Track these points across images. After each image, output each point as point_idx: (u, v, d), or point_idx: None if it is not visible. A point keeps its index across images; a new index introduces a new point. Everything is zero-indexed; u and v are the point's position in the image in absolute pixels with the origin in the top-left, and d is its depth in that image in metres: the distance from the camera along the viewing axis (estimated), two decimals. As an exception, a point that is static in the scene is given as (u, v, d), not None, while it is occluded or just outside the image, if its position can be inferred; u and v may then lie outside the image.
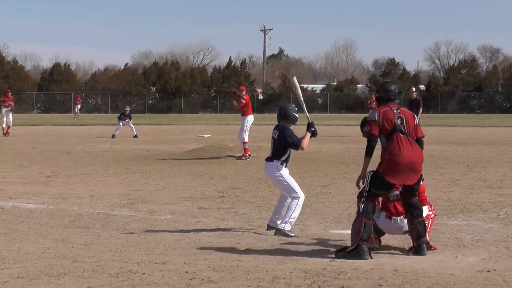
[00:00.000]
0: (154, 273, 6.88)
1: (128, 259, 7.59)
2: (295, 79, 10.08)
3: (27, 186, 14.51)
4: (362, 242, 7.77)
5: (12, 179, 15.72)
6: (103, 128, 41.90)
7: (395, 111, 8.12)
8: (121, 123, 33.47)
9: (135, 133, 32.84)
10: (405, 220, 8.21)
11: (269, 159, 9.50)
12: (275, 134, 9.45)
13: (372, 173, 8.04)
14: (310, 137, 9.38)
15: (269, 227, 9.48)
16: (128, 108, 35.38)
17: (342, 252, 7.83)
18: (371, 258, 7.72)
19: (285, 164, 9.39)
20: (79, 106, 65.23)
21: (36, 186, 14.55)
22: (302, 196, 9.39)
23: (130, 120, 33.71)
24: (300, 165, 18.59)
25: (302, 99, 9.70)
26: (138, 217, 10.81)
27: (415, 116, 8.30)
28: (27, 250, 8.12)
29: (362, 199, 7.99)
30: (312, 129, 9.36)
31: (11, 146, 26.47)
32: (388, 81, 8.74)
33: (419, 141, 8.15)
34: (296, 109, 9.57)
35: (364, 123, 8.40)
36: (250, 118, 20.71)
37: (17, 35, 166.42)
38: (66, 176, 16.34)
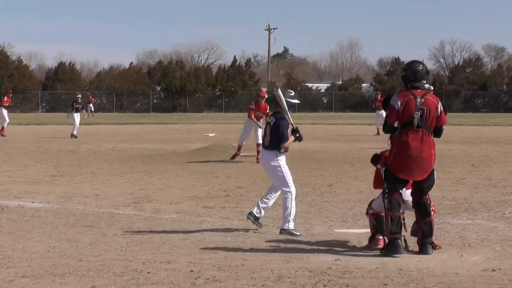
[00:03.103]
0: (159, 272, 6.89)
1: (133, 258, 7.59)
2: (279, 91, 9.70)
3: (32, 185, 14.53)
4: (395, 236, 7.77)
5: (17, 178, 15.74)
6: (108, 127, 41.97)
7: (418, 100, 7.88)
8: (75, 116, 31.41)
9: (74, 132, 31.14)
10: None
11: (266, 147, 9.48)
12: (271, 121, 9.44)
13: (384, 168, 8.06)
14: (295, 140, 9.43)
15: (250, 215, 9.42)
16: (79, 95, 32.86)
17: (383, 250, 7.86)
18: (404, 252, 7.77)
19: (283, 151, 9.36)
20: (91, 105, 64.88)
21: (41, 185, 14.56)
22: (293, 190, 9.31)
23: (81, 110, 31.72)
24: (305, 164, 18.61)
25: (287, 109, 9.45)
26: (143, 216, 10.81)
27: (438, 105, 7.95)
28: (32, 249, 8.13)
29: (385, 195, 8.00)
30: (297, 135, 9.39)
31: (16, 145, 26.51)
32: (416, 60, 8.18)
33: (438, 130, 8.00)
34: (292, 94, 9.65)
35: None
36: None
37: (21, 35, 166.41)
38: (71, 175, 16.36)
